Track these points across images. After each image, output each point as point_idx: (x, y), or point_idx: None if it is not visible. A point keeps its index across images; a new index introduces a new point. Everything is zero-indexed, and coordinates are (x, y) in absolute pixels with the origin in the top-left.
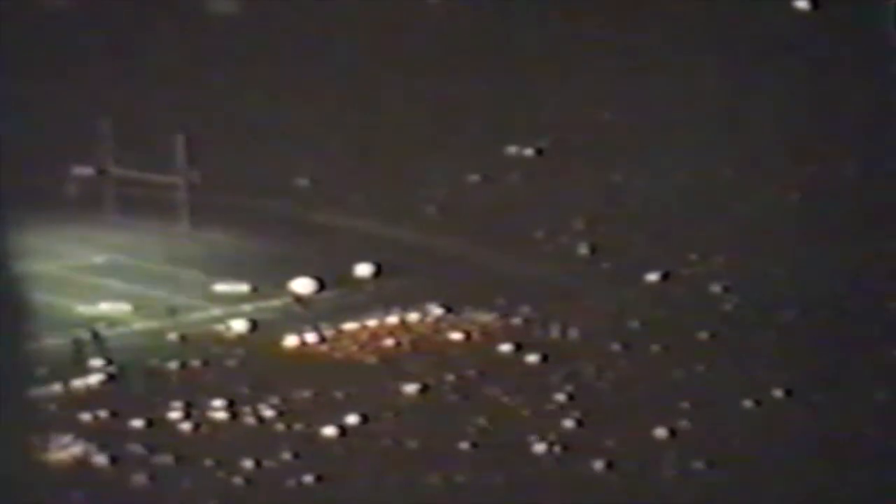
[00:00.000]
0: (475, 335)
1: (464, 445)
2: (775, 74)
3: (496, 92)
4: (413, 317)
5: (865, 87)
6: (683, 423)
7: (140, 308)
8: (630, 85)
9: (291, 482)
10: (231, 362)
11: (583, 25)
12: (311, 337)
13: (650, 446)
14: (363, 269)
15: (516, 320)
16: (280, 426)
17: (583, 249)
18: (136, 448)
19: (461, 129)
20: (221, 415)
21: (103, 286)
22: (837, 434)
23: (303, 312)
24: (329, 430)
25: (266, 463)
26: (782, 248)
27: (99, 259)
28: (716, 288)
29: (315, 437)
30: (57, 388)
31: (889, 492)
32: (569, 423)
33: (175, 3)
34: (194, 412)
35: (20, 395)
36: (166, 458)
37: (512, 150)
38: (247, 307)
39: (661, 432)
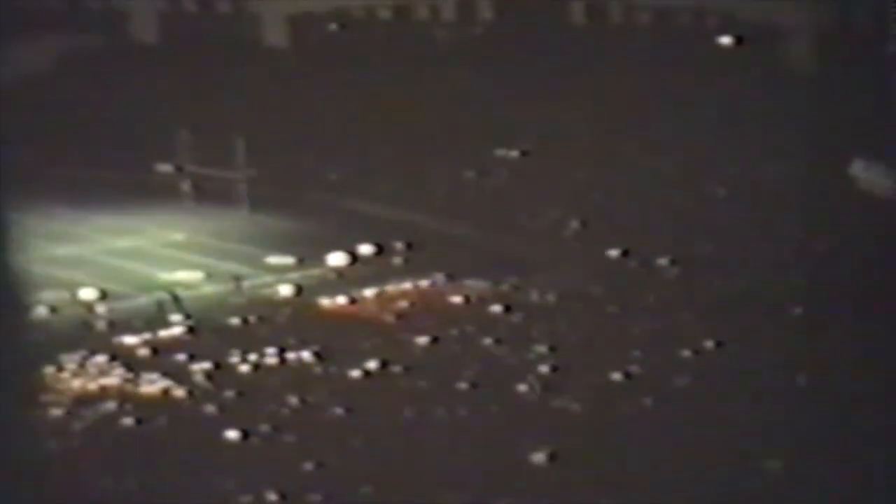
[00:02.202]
0: (472, 299)
1: (463, 385)
2: (705, 98)
3: (487, 106)
4: (423, 284)
5: (779, 106)
6: (635, 369)
7: (209, 276)
8: (594, 103)
9: (326, 412)
10: (280, 319)
11: (555, 60)
12: (342, 299)
13: (609, 387)
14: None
15: (505, 287)
16: (318, 369)
17: (558, 231)
18: (207, 385)
19: (460, 136)
20: (272, 360)
21: (181, 258)
22: (759, 376)
23: (337, 279)
24: (356, 373)
25: (307, 398)
26: (713, 230)
27: (178, 237)
28: (662, 261)
29: (345, 378)
30: (146, 336)
31: (801, 422)
32: (545, 369)
33: (240, 40)
34: (251, 357)
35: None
36: (230, 393)
37: (501, 151)
38: (293, 275)
39: (617, 376)
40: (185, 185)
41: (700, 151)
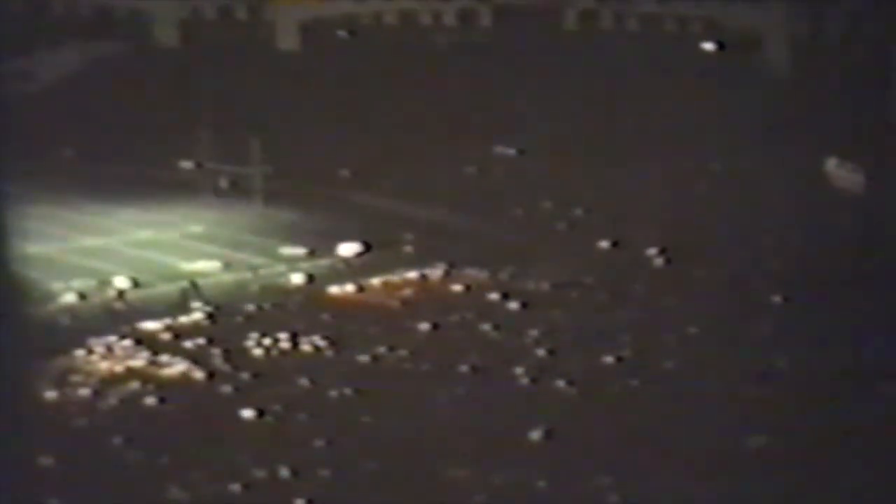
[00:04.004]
0: (472, 287)
1: (463, 368)
2: (690, 99)
3: (487, 106)
4: (426, 273)
5: (755, 107)
6: (625, 352)
7: (227, 265)
8: (587, 104)
9: (335, 393)
10: (292, 306)
11: (550, 64)
12: (351, 287)
13: (601, 369)
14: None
15: (503, 276)
16: (328, 353)
17: (553, 224)
18: (224, 367)
19: (462, 136)
20: (285, 344)
21: (200, 249)
22: (740, 359)
23: (346, 269)
24: (364, 357)
25: (318, 379)
26: (695, 222)
27: (197, 229)
28: (651, 251)
29: (353, 362)
30: (167, 321)
31: (780, 402)
32: (541, 352)
33: (254, 45)
34: (266, 342)
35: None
36: (245, 374)
37: (499, 149)
38: (304, 265)
39: (608, 359)
40: (205, 181)
41: (686, 149)
